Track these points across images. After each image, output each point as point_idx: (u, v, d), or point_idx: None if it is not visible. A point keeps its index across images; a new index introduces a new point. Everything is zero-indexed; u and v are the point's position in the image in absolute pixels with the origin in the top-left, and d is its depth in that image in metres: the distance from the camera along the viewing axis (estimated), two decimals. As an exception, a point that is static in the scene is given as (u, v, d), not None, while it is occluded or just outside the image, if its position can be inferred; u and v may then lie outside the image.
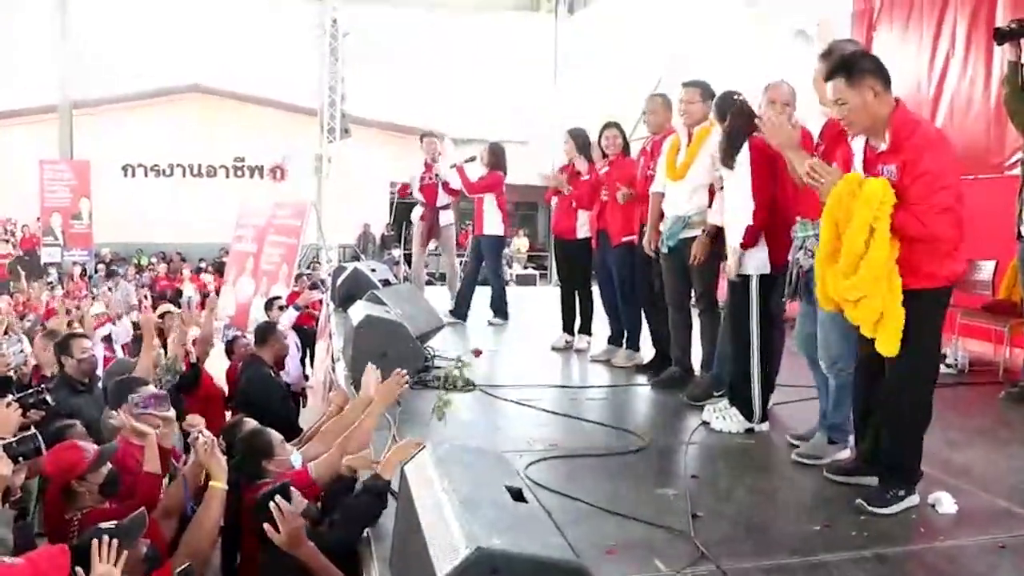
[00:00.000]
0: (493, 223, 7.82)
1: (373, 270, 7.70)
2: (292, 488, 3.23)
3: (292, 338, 7.87)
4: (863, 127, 3.29)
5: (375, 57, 21.43)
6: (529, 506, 2.14)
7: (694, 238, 4.96)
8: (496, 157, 7.80)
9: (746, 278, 4.35)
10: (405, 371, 4.11)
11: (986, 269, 6.50)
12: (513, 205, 29.41)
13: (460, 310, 7.84)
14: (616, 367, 6.03)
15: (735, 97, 4.49)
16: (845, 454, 3.92)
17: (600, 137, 6.26)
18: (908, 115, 3.27)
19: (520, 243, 25.47)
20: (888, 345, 3.20)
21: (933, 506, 3.39)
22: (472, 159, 7.91)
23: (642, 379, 5.70)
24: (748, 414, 4.44)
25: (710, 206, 4.99)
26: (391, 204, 21.32)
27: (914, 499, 3.37)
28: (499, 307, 7.87)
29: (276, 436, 3.81)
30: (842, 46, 3.81)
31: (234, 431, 4.18)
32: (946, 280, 3.28)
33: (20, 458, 3.12)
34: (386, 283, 7.32)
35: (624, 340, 6.19)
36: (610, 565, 2.86)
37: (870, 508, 3.33)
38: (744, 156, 4.32)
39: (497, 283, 8.12)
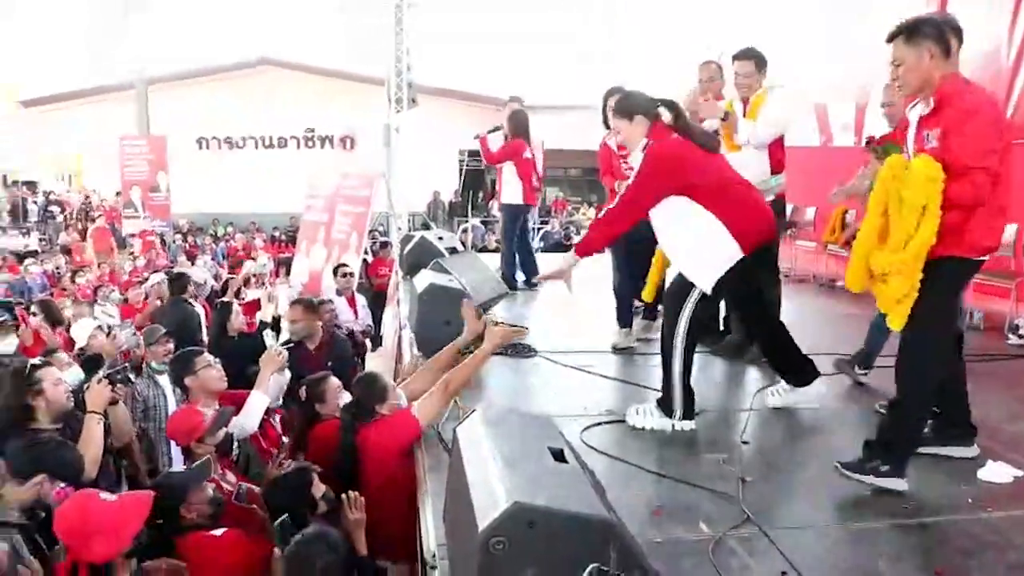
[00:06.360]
0: (511, 192, 7.85)
1: (440, 238, 7.87)
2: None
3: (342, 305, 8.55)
4: (913, 88, 3.23)
5: (441, 26, 21.49)
6: (569, 466, 2.24)
7: None
8: (517, 125, 7.79)
9: None
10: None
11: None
12: (582, 171, 29.50)
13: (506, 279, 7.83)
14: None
15: None
16: None
17: (604, 106, 6.16)
18: (958, 82, 3.17)
19: (588, 212, 25.33)
20: (899, 321, 3.20)
21: (985, 477, 3.38)
22: (496, 129, 7.99)
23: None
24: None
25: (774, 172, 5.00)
26: (460, 171, 21.46)
27: (896, 483, 3.21)
28: (506, 275, 7.66)
29: (390, 382, 4.16)
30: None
31: (318, 384, 4.64)
32: (979, 252, 3.20)
33: (119, 384, 4.03)
34: (452, 251, 7.46)
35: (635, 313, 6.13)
36: (655, 525, 2.95)
37: (841, 468, 3.28)
38: None
39: (507, 250, 8.03)
